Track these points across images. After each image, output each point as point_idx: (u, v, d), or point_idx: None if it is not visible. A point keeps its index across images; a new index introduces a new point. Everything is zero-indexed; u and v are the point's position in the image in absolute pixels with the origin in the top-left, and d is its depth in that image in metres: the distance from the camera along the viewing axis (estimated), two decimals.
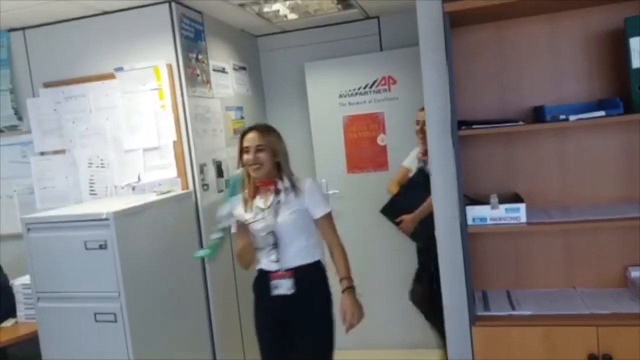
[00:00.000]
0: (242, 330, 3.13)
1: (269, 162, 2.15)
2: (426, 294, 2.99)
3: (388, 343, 3.56)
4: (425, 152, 2.81)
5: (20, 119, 3.03)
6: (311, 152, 3.70)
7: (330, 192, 3.66)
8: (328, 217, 2.21)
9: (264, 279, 2.15)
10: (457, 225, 2.10)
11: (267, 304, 2.17)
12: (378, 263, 3.61)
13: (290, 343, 2.17)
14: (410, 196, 2.94)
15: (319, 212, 2.18)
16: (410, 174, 3.09)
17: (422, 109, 2.80)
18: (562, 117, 1.94)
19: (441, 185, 2.23)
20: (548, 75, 2.15)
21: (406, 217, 2.94)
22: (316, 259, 2.22)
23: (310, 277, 2.16)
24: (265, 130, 2.23)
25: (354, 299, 2.20)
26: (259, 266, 2.19)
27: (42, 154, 2.98)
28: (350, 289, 2.19)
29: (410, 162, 3.13)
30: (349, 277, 2.20)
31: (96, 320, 2.17)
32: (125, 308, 2.16)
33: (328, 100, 3.59)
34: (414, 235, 3.00)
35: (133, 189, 2.62)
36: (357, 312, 2.19)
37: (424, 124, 2.71)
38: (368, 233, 3.61)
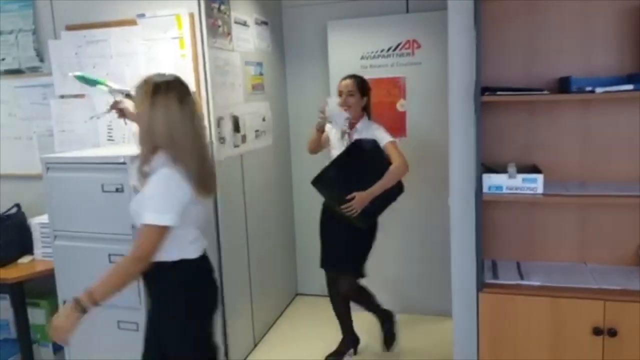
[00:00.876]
0: (250, 269, 3.20)
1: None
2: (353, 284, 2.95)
3: (401, 308, 3.60)
4: (352, 125, 2.83)
5: (41, 60, 3.04)
6: None
7: None
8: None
9: None
10: (472, 192, 2.10)
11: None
12: (390, 228, 3.61)
13: None
14: (346, 171, 2.76)
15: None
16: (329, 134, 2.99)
17: (345, 78, 2.90)
18: (589, 88, 1.90)
19: (459, 151, 2.21)
20: (577, 46, 2.10)
21: (361, 194, 2.67)
22: None
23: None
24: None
25: None
26: None
27: (62, 97, 2.99)
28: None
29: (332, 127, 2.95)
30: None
31: (110, 261, 2.22)
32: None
33: (349, 61, 3.53)
34: (361, 216, 2.73)
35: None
36: None
37: (348, 94, 2.83)
38: None
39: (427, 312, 3.55)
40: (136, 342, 2.24)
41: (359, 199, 2.67)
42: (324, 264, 2.99)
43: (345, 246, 2.88)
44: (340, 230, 2.84)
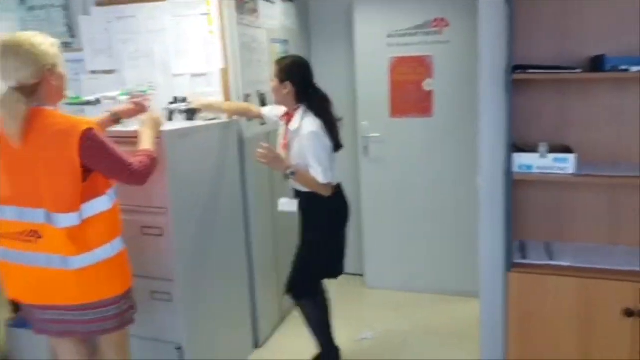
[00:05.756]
0: (278, 253, 3.25)
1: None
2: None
3: (427, 287, 3.64)
4: (287, 114, 2.55)
5: (72, 36, 3.07)
6: (353, 94, 3.66)
7: (371, 135, 3.64)
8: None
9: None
10: (501, 171, 2.09)
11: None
12: (418, 208, 3.63)
13: None
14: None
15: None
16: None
17: (277, 59, 2.61)
18: (623, 67, 1.87)
19: (489, 130, 2.20)
20: (610, 25, 2.06)
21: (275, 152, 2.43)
22: None
23: None
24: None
25: None
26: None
27: (93, 72, 3.03)
28: None
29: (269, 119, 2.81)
30: None
31: (143, 234, 2.27)
32: (172, 223, 2.25)
33: (376, 39, 3.50)
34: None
35: (181, 112, 2.66)
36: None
37: (272, 77, 2.52)
38: (409, 179, 3.62)
39: (452, 292, 3.56)
40: (170, 312, 2.33)
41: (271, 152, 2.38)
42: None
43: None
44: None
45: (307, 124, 2.39)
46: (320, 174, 2.37)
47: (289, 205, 2.55)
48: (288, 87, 2.45)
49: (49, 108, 1.75)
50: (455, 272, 3.55)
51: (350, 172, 3.78)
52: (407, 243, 3.68)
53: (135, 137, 1.99)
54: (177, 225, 2.27)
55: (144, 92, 2.54)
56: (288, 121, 2.51)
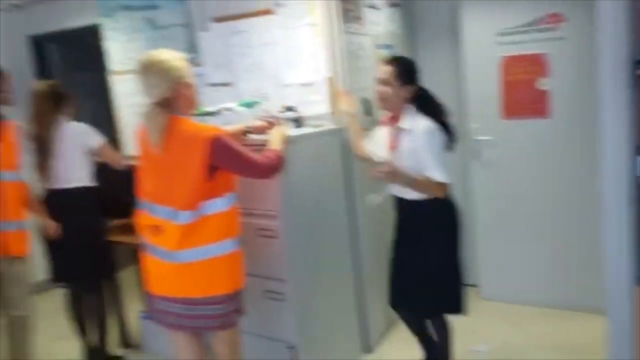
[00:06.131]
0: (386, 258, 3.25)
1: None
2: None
3: (546, 301, 3.45)
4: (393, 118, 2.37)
5: (194, 51, 3.34)
6: (459, 96, 3.57)
7: (482, 138, 3.52)
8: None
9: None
10: (626, 176, 1.94)
11: None
12: (535, 216, 3.45)
13: None
14: None
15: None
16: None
17: (386, 62, 2.36)
18: None
19: (610, 132, 2.04)
20: None
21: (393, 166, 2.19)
22: None
23: None
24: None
25: None
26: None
27: (213, 85, 3.26)
28: None
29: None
30: None
31: (259, 235, 2.43)
32: (283, 226, 2.39)
33: (485, 38, 3.38)
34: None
35: (292, 120, 2.78)
36: None
37: (386, 82, 2.30)
38: (524, 183, 3.45)
39: (572, 306, 3.33)
40: (283, 311, 2.45)
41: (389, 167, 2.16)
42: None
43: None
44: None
45: (421, 121, 2.28)
46: (438, 173, 2.21)
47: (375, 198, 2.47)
48: (409, 90, 2.31)
49: (182, 117, 1.95)
50: (576, 284, 3.32)
51: (459, 177, 3.69)
52: (524, 253, 3.50)
53: (265, 145, 2.17)
54: (288, 228, 2.39)
55: (256, 102, 2.70)
56: (395, 121, 2.37)
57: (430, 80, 3.75)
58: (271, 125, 2.40)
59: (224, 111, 2.59)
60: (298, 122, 2.78)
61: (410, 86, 2.30)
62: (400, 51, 3.56)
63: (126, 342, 3.35)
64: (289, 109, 2.81)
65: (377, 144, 2.48)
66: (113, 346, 3.23)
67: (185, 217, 1.91)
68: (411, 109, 2.32)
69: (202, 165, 1.88)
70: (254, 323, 2.52)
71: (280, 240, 2.40)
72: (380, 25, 3.34)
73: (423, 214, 2.34)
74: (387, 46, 3.42)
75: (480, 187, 3.59)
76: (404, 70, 2.31)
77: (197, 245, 1.94)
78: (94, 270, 2.99)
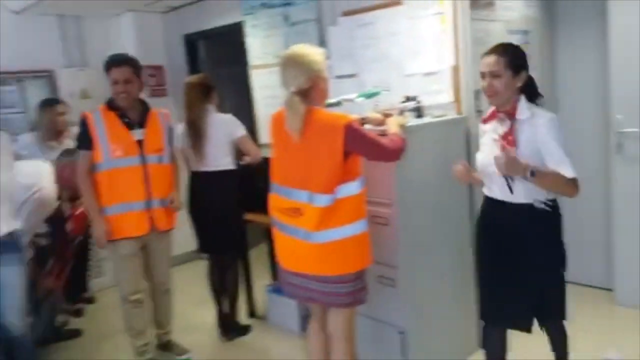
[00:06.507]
0: None
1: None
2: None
3: None
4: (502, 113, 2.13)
5: (323, 45, 3.50)
6: (604, 84, 3.26)
7: (626, 130, 3.17)
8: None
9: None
10: None
11: None
12: None
13: None
14: None
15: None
16: None
17: (490, 53, 2.10)
18: None
19: None
20: None
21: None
22: None
23: None
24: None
25: None
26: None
27: (339, 77, 3.40)
28: None
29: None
30: None
31: (373, 222, 2.49)
32: (397, 214, 2.44)
33: (635, 23, 3.04)
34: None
35: (412, 110, 2.80)
36: None
37: (495, 74, 2.06)
38: None
39: None
40: (394, 297, 2.51)
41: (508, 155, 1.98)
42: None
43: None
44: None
45: (540, 111, 2.11)
46: (570, 167, 1.99)
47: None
48: (523, 77, 2.11)
49: (317, 107, 2.11)
50: None
51: (597, 173, 3.40)
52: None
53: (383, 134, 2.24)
54: (402, 216, 2.43)
55: (375, 93, 2.76)
56: (511, 115, 2.11)
57: (572, 68, 3.52)
58: (387, 117, 2.45)
59: (344, 102, 2.70)
60: (418, 111, 2.79)
61: (522, 74, 2.10)
62: (537, 37, 3.37)
63: (253, 313, 3.67)
64: (410, 98, 2.83)
65: (482, 152, 2.25)
66: (242, 316, 3.56)
67: (323, 200, 2.04)
68: (523, 98, 2.12)
69: (338, 151, 2.01)
70: (367, 306, 2.60)
71: (392, 227, 2.45)
72: (514, 10, 3.19)
73: (536, 219, 2.10)
74: (522, 32, 3.25)
75: (622, 184, 3.25)
76: (515, 57, 2.10)
77: (333, 226, 2.06)
78: (232, 244, 3.33)
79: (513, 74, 2.07)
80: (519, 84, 2.09)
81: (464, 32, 2.78)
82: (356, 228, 2.09)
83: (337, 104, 2.67)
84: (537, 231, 2.12)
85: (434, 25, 2.89)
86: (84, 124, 2.78)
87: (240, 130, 3.19)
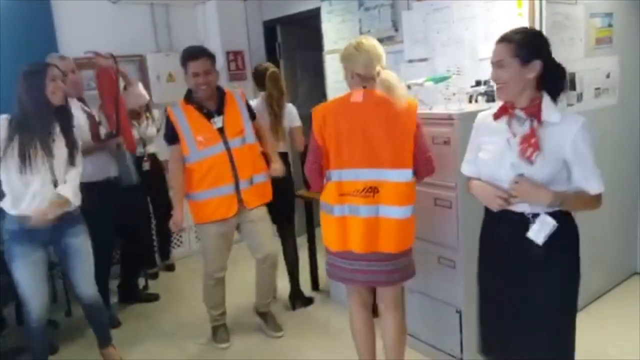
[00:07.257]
0: None
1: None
2: None
3: None
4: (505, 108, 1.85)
5: (396, 30, 3.55)
6: None
7: None
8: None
9: None
10: None
11: None
12: None
13: None
14: None
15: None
16: None
17: (502, 40, 1.80)
18: None
19: None
20: None
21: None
22: None
23: None
24: None
25: None
26: None
27: (410, 61, 3.43)
28: None
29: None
30: None
31: (435, 205, 2.57)
32: (459, 198, 2.47)
33: None
34: None
35: (483, 94, 2.79)
36: None
37: (501, 64, 1.78)
38: None
39: None
40: (453, 277, 2.56)
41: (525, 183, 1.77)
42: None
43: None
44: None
45: (570, 114, 1.84)
46: (599, 181, 1.78)
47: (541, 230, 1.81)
48: (535, 68, 1.76)
49: (378, 91, 2.19)
50: None
51: (632, 165, 3.23)
52: None
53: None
54: (464, 200, 2.45)
55: (445, 77, 2.77)
56: (532, 115, 1.78)
57: None
58: None
59: (413, 86, 2.74)
60: (489, 95, 2.78)
61: (533, 64, 1.76)
62: (623, 19, 3.20)
63: (317, 286, 3.84)
64: (481, 82, 2.82)
65: (488, 152, 1.92)
66: (307, 289, 3.74)
67: (401, 175, 2.15)
68: (546, 96, 1.79)
69: (412, 131, 2.16)
70: (427, 285, 2.69)
71: (454, 210, 2.48)
72: None
73: (555, 235, 1.80)
74: (605, 14, 3.12)
75: None
76: (523, 44, 1.76)
77: (409, 203, 2.18)
78: (288, 217, 3.54)
79: (521, 63, 1.75)
80: (531, 75, 1.76)
81: (541, 15, 2.72)
82: (413, 208, 2.21)
83: (408, 88, 2.72)
84: (552, 249, 1.81)
85: (509, 8, 2.84)
86: (168, 120, 2.96)
87: (295, 121, 3.44)
